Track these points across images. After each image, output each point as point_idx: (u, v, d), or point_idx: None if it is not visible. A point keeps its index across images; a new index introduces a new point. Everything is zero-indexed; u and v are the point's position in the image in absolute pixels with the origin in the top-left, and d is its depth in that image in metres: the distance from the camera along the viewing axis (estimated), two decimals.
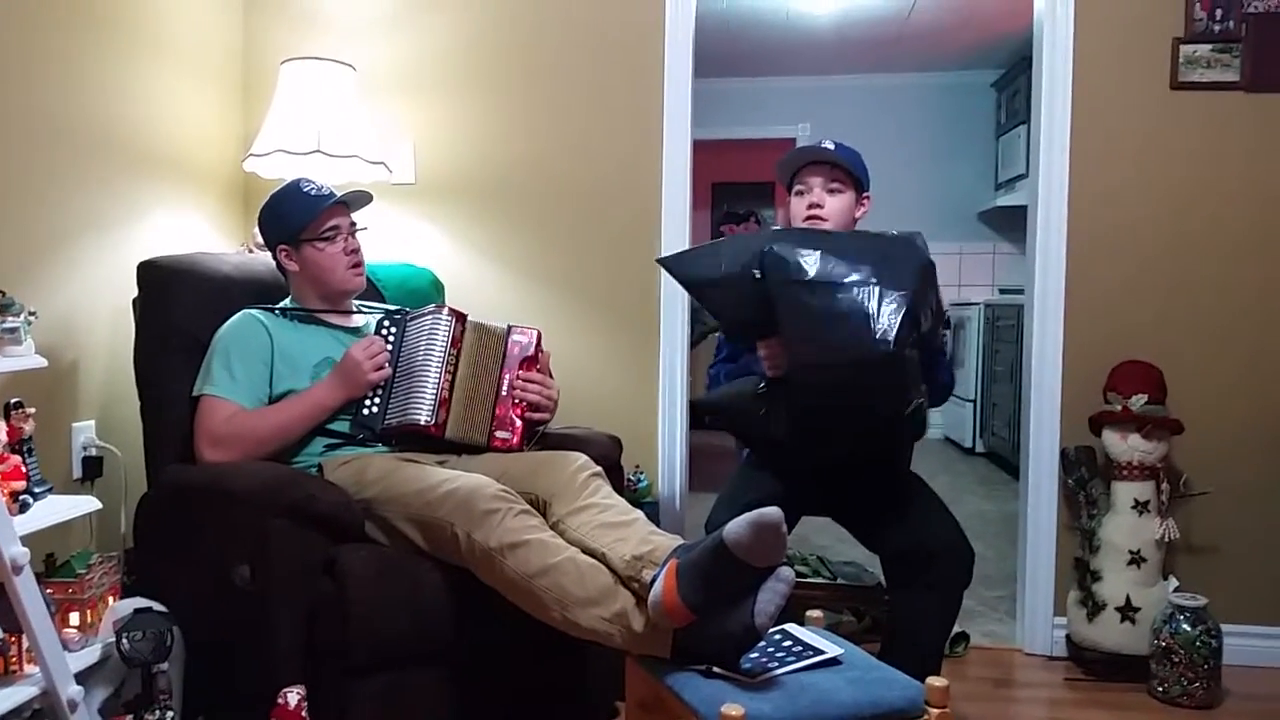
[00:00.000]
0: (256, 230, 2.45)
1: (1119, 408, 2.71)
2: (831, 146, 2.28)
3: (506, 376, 2.28)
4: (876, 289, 1.88)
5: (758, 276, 1.96)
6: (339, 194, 2.29)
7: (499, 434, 2.25)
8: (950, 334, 6.46)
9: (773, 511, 1.55)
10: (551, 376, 2.36)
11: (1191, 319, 2.82)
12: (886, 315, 1.86)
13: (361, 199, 2.35)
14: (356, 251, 2.30)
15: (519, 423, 2.27)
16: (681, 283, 2.17)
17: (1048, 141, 2.87)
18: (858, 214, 2.32)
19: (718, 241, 2.13)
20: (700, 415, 2.45)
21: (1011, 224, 6.55)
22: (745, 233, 2.09)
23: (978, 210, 6.99)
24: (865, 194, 2.33)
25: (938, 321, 2.08)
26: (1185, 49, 2.79)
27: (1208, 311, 2.82)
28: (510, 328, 2.34)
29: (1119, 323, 2.84)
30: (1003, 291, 6.52)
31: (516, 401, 2.27)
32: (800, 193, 2.29)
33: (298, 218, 2.25)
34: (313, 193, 2.27)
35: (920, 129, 7.06)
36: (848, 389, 1.92)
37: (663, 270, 2.91)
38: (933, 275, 1.98)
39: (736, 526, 1.56)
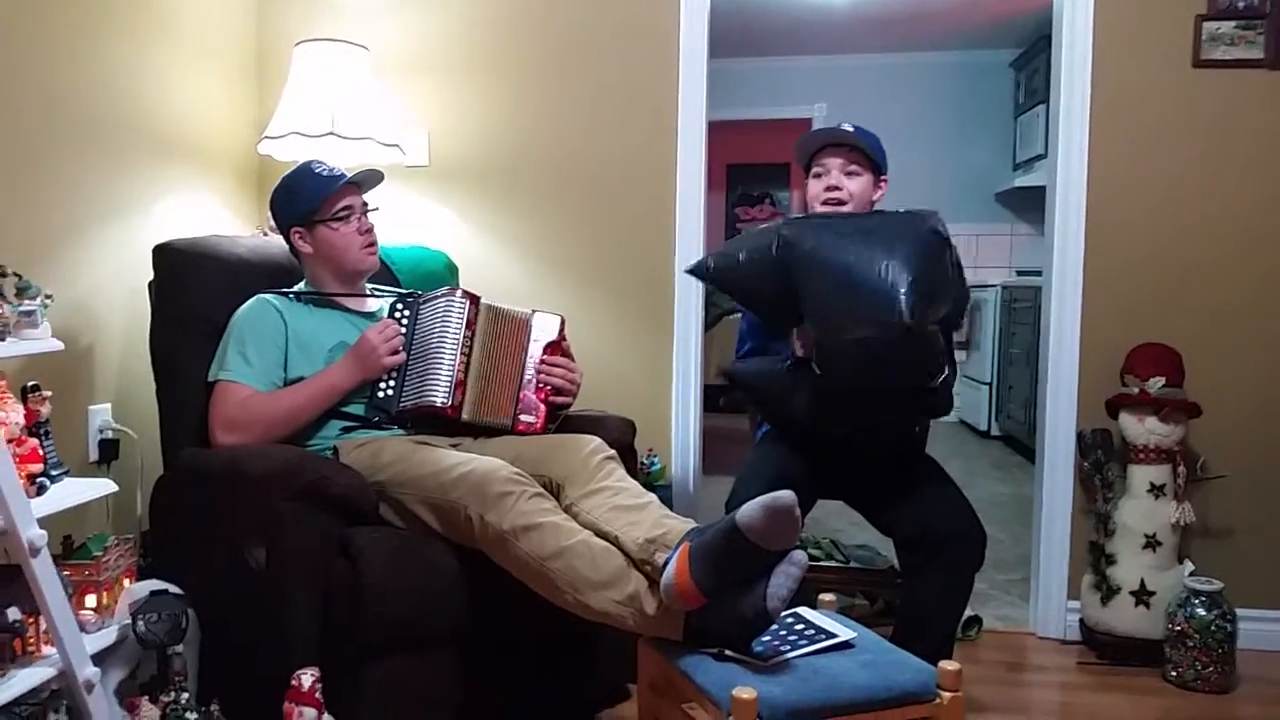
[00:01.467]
0: (269, 214, 2.45)
1: (1136, 390, 2.69)
2: (850, 129, 2.28)
3: (531, 361, 2.29)
4: (888, 265, 1.88)
5: (774, 254, 1.98)
6: (350, 174, 2.29)
7: (524, 418, 2.26)
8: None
9: (786, 495, 1.55)
10: (574, 360, 2.36)
11: (1211, 301, 2.79)
12: (900, 292, 1.85)
13: (373, 178, 2.35)
14: (370, 231, 2.31)
15: (543, 407, 2.28)
16: (712, 282, 2.19)
17: (1067, 121, 2.83)
18: (875, 196, 2.31)
19: (733, 240, 2.16)
20: (725, 387, 2.48)
21: (1029, 205, 6.48)
22: (757, 223, 2.14)
23: (995, 191, 6.93)
24: (883, 176, 2.32)
25: (960, 298, 2.06)
26: (1208, 26, 2.74)
27: (1228, 294, 2.78)
28: (534, 312, 2.34)
29: (1137, 304, 2.81)
30: (1020, 273, 6.47)
31: (541, 386, 2.28)
32: (818, 175, 2.29)
33: (311, 199, 2.25)
34: (325, 173, 2.28)
35: (938, 109, 6.99)
36: (869, 365, 1.92)
37: (676, 252, 2.93)
38: (941, 251, 1.97)
39: (749, 510, 1.56)
